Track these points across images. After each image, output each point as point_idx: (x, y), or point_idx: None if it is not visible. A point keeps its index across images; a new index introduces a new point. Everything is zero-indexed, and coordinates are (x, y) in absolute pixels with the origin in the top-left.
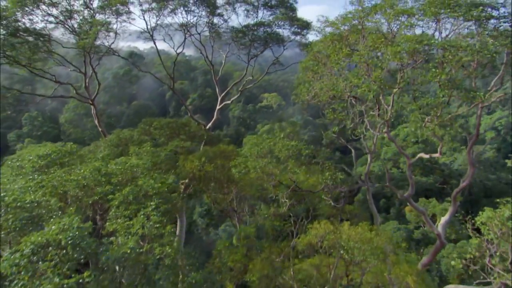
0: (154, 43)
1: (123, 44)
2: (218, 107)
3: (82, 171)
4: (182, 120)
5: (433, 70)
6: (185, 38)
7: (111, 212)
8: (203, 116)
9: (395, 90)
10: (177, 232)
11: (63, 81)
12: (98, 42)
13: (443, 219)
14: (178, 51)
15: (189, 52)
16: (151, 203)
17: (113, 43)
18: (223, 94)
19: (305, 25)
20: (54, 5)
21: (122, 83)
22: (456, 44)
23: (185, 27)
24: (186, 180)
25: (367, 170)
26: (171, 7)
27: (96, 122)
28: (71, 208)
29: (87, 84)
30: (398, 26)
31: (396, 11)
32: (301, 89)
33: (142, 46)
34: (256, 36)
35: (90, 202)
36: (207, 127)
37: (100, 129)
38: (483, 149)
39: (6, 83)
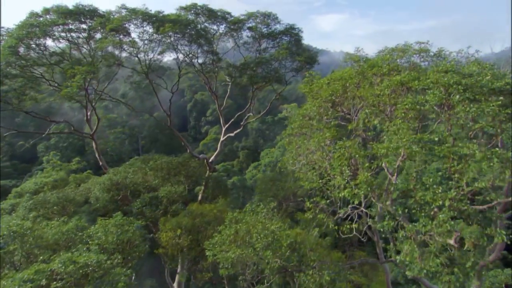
0: (151, 82)
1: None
2: (222, 139)
3: (14, 277)
4: (180, 159)
5: (434, 187)
6: (179, 78)
7: None
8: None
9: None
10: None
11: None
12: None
13: None
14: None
15: None
16: None
17: (106, 87)
18: (227, 125)
19: (310, 60)
20: (59, 38)
21: (143, 95)
22: (468, 153)
23: (179, 66)
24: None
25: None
26: (162, 47)
27: (97, 155)
28: None
29: (88, 117)
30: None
31: (394, 82)
32: (287, 159)
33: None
34: (255, 73)
35: None
36: (210, 160)
37: (101, 163)
38: None
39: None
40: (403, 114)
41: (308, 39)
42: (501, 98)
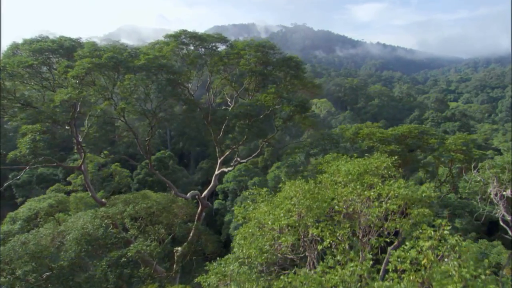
0: (125, 122)
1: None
2: (216, 172)
3: None
4: (161, 204)
5: None
6: (151, 128)
7: None
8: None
9: None
10: None
11: None
12: None
13: None
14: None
15: None
16: None
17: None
18: (222, 157)
19: (302, 109)
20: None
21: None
22: None
23: (147, 116)
24: None
25: None
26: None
27: (87, 186)
28: None
29: (79, 147)
30: None
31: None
32: None
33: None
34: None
35: None
36: (203, 195)
37: (90, 194)
38: None
39: None
40: None
41: (343, 30)
42: None
